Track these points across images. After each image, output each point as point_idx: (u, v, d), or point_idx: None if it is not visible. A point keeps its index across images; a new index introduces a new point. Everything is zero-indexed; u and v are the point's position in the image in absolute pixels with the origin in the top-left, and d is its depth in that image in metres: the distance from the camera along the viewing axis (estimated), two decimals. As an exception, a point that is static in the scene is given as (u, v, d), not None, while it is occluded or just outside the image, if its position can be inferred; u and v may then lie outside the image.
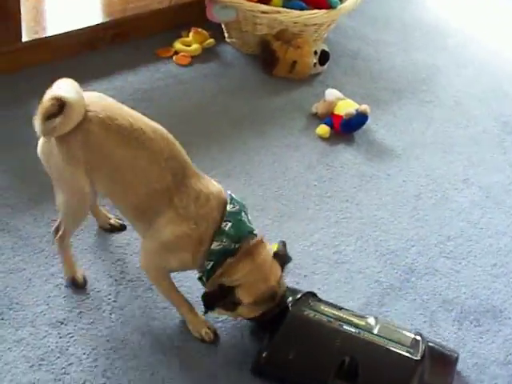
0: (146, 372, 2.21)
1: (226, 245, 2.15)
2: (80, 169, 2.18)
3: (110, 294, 2.42)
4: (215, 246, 2.15)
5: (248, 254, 2.15)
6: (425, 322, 2.53)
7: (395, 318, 2.52)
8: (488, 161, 3.38)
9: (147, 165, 2.17)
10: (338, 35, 4.05)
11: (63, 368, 2.18)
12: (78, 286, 2.42)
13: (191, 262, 2.19)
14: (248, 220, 2.25)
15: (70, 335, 2.27)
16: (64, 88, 2.17)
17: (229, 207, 2.19)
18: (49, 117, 2.10)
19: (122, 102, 2.87)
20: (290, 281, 2.51)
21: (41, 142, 2.23)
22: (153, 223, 2.18)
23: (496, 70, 4.11)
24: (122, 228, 2.66)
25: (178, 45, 3.62)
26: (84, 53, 3.46)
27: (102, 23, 3.50)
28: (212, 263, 2.16)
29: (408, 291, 2.64)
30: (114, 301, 2.40)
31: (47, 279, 2.43)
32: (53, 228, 2.43)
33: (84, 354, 2.22)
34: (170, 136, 2.25)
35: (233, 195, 2.24)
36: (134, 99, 3.24)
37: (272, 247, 2.34)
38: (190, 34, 3.66)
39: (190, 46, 3.63)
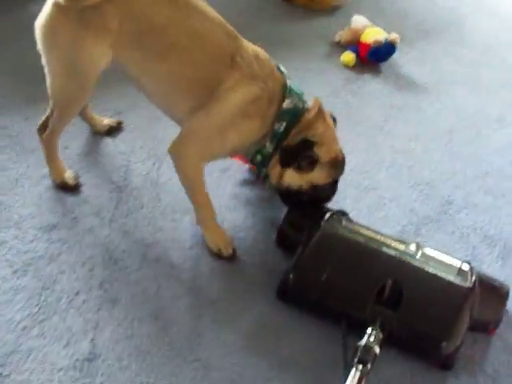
0: (150, 287, 1.88)
1: (296, 103, 1.99)
2: (105, 42, 1.88)
3: (110, 200, 2.09)
4: (287, 104, 1.97)
5: (319, 114, 2.02)
6: (466, 256, 2.23)
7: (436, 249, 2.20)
8: (523, 102, 3.10)
9: (201, 26, 1.89)
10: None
11: (53, 276, 1.85)
12: (69, 188, 2.10)
13: (258, 130, 1.97)
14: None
15: (63, 241, 1.95)
16: None
17: (283, 69, 2.08)
18: None
19: None
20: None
21: (46, 14, 1.90)
22: (211, 97, 1.90)
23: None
24: (120, 126, 2.36)
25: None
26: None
27: None
28: (285, 123, 1.96)
29: (446, 223, 2.35)
30: (115, 208, 2.07)
31: (38, 181, 2.12)
32: (38, 124, 2.10)
33: (78, 262, 1.90)
34: None
35: None
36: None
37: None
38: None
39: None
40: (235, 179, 2.29)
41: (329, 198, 2.13)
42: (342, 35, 3.09)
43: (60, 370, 1.63)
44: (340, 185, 2.31)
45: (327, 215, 2.02)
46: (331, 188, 2.11)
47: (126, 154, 2.28)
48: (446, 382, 1.86)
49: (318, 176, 2.02)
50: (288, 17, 3.24)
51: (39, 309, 1.76)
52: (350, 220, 2.09)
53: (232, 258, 2.03)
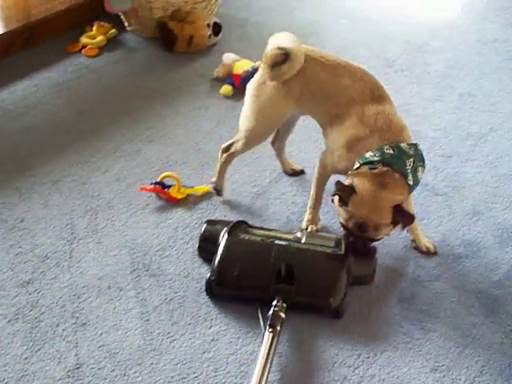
0: (113, 299, 2.58)
1: (373, 159, 2.53)
2: (292, 99, 2.73)
3: (64, 253, 2.76)
4: (368, 154, 2.54)
5: (377, 177, 2.50)
6: (340, 228, 2.91)
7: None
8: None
9: (351, 82, 2.66)
10: (228, 8, 4.45)
11: (36, 318, 2.52)
12: (218, 193, 2.98)
13: (347, 162, 2.62)
14: (412, 171, 2.55)
15: (38, 291, 2.61)
16: (284, 40, 2.73)
17: (403, 145, 2.56)
18: (274, 65, 2.64)
19: (43, 96, 3.32)
20: (219, 214, 2.95)
21: (257, 78, 2.80)
22: (338, 125, 2.67)
23: (373, 18, 4.55)
24: (302, 172, 3.18)
25: (84, 39, 3.97)
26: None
27: (13, 30, 3.82)
28: (358, 165, 2.56)
29: (322, 206, 2.99)
30: (70, 257, 2.74)
31: (7, 250, 2.76)
32: (222, 146, 2.94)
33: (52, 303, 2.57)
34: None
35: (420, 148, 2.63)
36: (54, 92, 3.63)
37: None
38: (94, 28, 4.02)
39: (95, 38, 3.98)
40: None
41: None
42: (218, 71, 3.77)
43: (58, 380, 2.31)
44: (234, 196, 3.04)
45: (229, 226, 2.71)
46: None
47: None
48: (339, 326, 2.56)
49: (343, 214, 2.59)
50: (172, 66, 3.90)
51: (33, 342, 2.42)
52: (248, 225, 2.78)
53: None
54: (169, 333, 2.49)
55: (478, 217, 3.01)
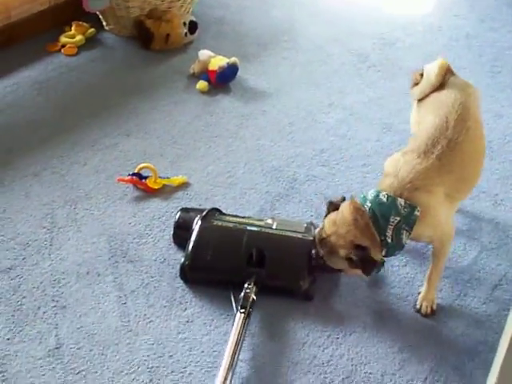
0: (92, 284, 2.68)
1: (367, 196, 2.52)
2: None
3: (45, 241, 2.87)
4: (370, 191, 2.53)
5: (357, 211, 2.46)
6: (311, 216, 3.04)
7: (288, 218, 3.03)
8: (348, 86, 3.95)
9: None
10: (204, 7, 4.56)
11: (18, 301, 2.61)
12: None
13: None
14: (394, 231, 2.45)
15: (19, 276, 2.71)
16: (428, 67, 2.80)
17: (400, 201, 2.43)
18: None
19: (24, 94, 3.47)
20: (195, 203, 3.05)
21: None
22: None
23: (347, 15, 4.68)
24: None
25: (63, 39, 4.07)
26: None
27: (-7, 30, 3.92)
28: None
29: (294, 196, 3.15)
30: (50, 245, 2.85)
31: (-10, 239, 2.87)
32: None
33: (33, 287, 2.67)
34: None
35: (415, 215, 2.44)
36: (34, 89, 3.73)
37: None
38: (73, 28, 4.12)
39: (74, 38, 4.08)
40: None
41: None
42: (194, 68, 3.88)
43: (39, 359, 2.41)
44: (209, 187, 3.15)
45: (203, 213, 2.82)
46: None
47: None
48: (309, 308, 2.66)
49: None
50: (150, 63, 4.01)
51: (15, 324, 2.51)
52: (221, 213, 2.88)
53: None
54: (145, 315, 2.59)
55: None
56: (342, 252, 2.48)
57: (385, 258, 2.54)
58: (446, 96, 2.67)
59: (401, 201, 2.42)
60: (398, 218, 2.42)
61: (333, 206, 2.58)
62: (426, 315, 2.68)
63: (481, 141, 2.68)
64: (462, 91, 2.69)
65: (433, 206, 2.48)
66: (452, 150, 2.52)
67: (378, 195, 2.46)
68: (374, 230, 2.44)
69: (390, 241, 2.45)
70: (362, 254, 2.44)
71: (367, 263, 2.46)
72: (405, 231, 2.44)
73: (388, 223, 2.43)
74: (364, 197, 2.51)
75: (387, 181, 2.50)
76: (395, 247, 2.49)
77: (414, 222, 2.43)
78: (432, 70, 2.77)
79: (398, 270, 2.84)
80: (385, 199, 2.44)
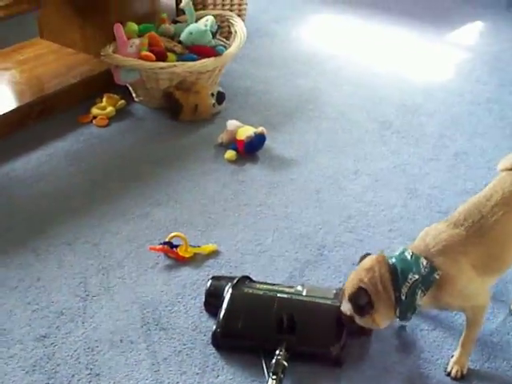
0: (125, 351, 2.72)
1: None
2: None
3: (79, 310, 2.92)
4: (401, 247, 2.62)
5: (377, 263, 2.57)
6: (340, 282, 3.07)
7: (317, 284, 3.07)
8: (372, 153, 4.01)
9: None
10: (230, 78, 4.67)
11: (53, 369, 2.66)
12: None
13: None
14: (410, 288, 2.50)
15: (53, 344, 2.76)
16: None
17: (423, 261, 2.50)
18: None
19: (57, 164, 3.56)
20: (225, 271, 3.09)
21: None
22: None
23: (370, 83, 4.79)
24: None
25: (94, 110, 4.19)
26: (14, 132, 4.00)
27: (28, 103, 4.05)
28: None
29: (322, 262, 3.19)
30: (84, 313, 2.90)
31: (25, 307, 2.93)
32: None
33: (67, 355, 2.71)
34: None
35: (434, 277, 2.48)
36: (67, 160, 3.82)
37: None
38: (104, 100, 4.24)
39: (105, 109, 4.19)
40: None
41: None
42: (222, 137, 3.97)
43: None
44: (239, 255, 3.19)
45: (234, 281, 2.87)
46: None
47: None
48: (340, 374, 2.68)
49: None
50: (179, 133, 4.10)
51: (50, 393, 2.59)
52: (252, 280, 2.93)
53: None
54: (178, 382, 2.62)
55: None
56: (347, 294, 2.57)
57: (398, 320, 2.63)
58: (506, 178, 2.73)
59: (423, 260, 2.47)
60: (417, 277, 2.47)
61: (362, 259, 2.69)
62: (455, 379, 2.68)
63: None
64: None
65: (454, 274, 2.52)
66: (483, 226, 2.56)
67: (403, 252, 2.54)
68: (391, 284, 2.51)
69: (404, 298, 2.49)
70: (359, 296, 2.53)
71: (362, 307, 2.54)
72: (420, 291, 2.48)
73: (406, 280, 2.48)
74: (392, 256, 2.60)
75: (415, 243, 2.59)
76: (408, 307, 2.52)
77: (431, 284, 2.47)
78: None
79: (427, 333, 2.85)
80: (409, 256, 2.51)
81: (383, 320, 2.59)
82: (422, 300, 2.51)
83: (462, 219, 2.60)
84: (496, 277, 2.73)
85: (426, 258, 2.49)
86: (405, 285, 2.49)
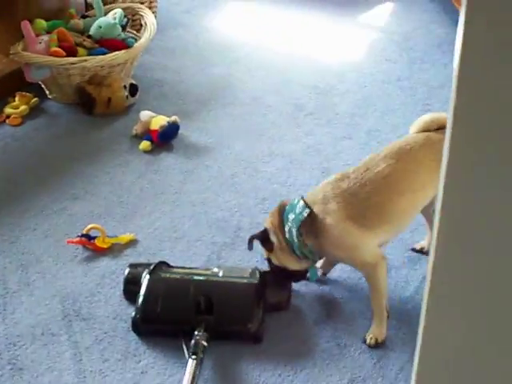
0: (47, 344, 2.75)
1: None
2: None
3: None
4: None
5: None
6: (257, 261, 3.13)
7: (234, 265, 3.14)
8: (286, 135, 4.09)
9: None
10: (144, 70, 4.68)
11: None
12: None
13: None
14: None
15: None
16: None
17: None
18: None
19: None
20: (143, 260, 3.14)
21: None
22: None
23: (283, 67, 4.84)
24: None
25: (7, 109, 4.18)
26: None
27: None
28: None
29: (239, 244, 3.23)
30: (4, 310, 2.92)
31: None
32: None
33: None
34: None
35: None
36: (-20, 161, 3.82)
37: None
38: (16, 98, 4.23)
39: (18, 108, 4.19)
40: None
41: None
42: (136, 129, 4.00)
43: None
44: (157, 242, 3.25)
45: (151, 267, 2.93)
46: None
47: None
48: (259, 350, 2.77)
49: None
50: (93, 127, 4.12)
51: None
52: (169, 265, 2.99)
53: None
54: (101, 369, 2.68)
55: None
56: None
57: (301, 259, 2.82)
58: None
59: (301, 202, 2.68)
60: (293, 216, 2.68)
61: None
62: (370, 346, 2.79)
63: (413, 184, 2.80)
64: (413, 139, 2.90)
65: (330, 222, 2.68)
66: (364, 178, 2.71)
67: (296, 200, 2.74)
68: (281, 225, 2.76)
69: (288, 237, 2.73)
70: (259, 234, 2.83)
71: (263, 239, 2.83)
72: (294, 229, 2.69)
73: (288, 220, 2.71)
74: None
75: (308, 193, 2.79)
76: (295, 245, 2.73)
77: (300, 221, 2.67)
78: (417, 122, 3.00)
79: (344, 305, 2.97)
80: (296, 201, 2.72)
81: (286, 258, 2.80)
82: (309, 240, 2.70)
83: (350, 172, 2.75)
84: (383, 234, 2.79)
85: (306, 205, 2.65)
86: (287, 225, 2.70)
